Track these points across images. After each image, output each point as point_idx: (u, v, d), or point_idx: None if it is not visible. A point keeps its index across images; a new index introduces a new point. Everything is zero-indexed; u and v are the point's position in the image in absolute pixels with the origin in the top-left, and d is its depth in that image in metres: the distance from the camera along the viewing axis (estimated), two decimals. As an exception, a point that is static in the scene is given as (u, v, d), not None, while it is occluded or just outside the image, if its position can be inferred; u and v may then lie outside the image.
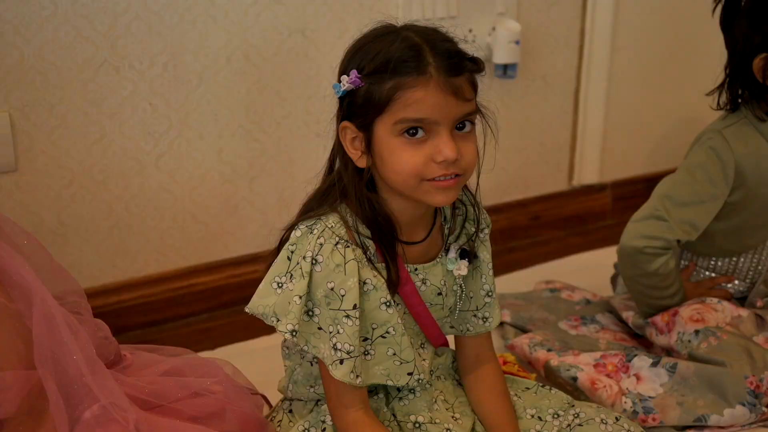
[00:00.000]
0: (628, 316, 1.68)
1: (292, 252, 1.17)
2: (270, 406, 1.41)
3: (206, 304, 1.90)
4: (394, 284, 1.19)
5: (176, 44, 1.74)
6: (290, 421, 1.30)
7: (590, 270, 2.00)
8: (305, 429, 1.27)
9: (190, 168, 1.82)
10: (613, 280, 1.84)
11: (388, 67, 1.10)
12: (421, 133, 1.11)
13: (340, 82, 1.14)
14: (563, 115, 2.29)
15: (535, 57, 2.18)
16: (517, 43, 2.04)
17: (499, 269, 2.07)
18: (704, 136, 1.56)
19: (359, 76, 1.12)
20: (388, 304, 1.18)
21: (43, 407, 1.12)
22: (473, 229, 1.28)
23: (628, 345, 1.65)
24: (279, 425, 1.31)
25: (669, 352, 1.59)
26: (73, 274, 1.75)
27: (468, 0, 2.03)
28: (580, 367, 1.52)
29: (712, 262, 1.66)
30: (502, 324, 1.77)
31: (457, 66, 1.12)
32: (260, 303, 1.18)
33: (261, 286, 1.18)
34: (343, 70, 1.15)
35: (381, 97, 1.10)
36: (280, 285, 1.17)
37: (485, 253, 1.29)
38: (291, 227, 1.19)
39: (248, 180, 1.87)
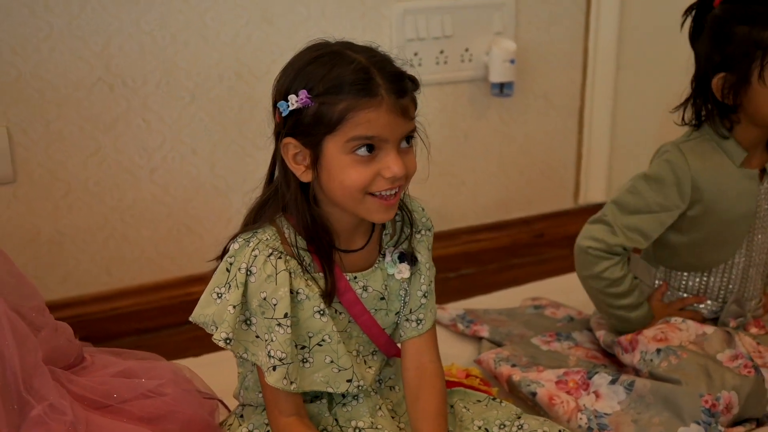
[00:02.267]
0: (601, 334, 1.68)
1: (230, 264, 1.22)
2: (229, 411, 1.46)
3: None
4: (329, 293, 1.23)
5: (169, 63, 1.82)
6: (240, 425, 1.35)
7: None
8: (249, 431, 1.32)
9: (184, 182, 1.90)
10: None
11: (341, 89, 1.14)
12: (373, 150, 1.16)
13: (286, 100, 1.18)
14: (568, 134, 2.30)
15: (535, 75, 2.20)
16: (512, 62, 2.07)
17: (496, 286, 2.11)
18: (663, 148, 1.58)
19: (309, 96, 1.16)
20: (321, 312, 1.23)
21: None
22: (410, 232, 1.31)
23: (599, 363, 1.65)
24: (229, 428, 1.36)
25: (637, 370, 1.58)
26: (69, 281, 1.86)
27: (465, 20, 2.07)
28: (540, 383, 1.53)
29: (683, 282, 1.65)
30: (480, 339, 1.79)
31: (403, 88, 1.18)
32: (201, 312, 1.24)
33: (202, 296, 1.24)
34: (286, 89, 1.19)
35: (332, 117, 1.15)
36: (219, 295, 1.22)
37: (423, 255, 1.32)
38: (231, 239, 1.25)
39: (242, 194, 1.94)
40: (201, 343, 1.88)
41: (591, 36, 2.23)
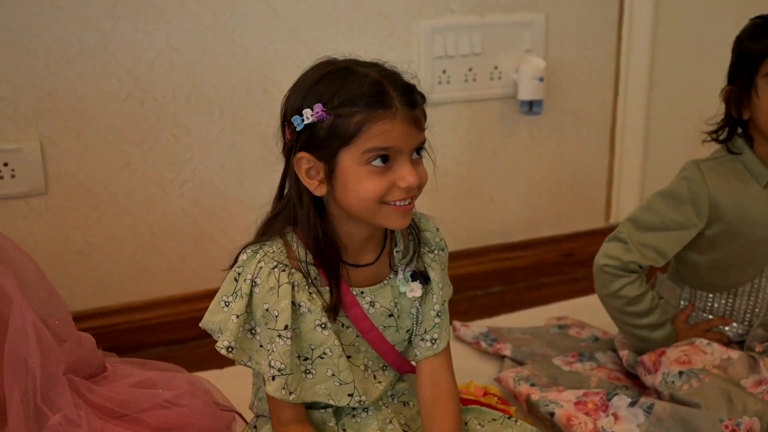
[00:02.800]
0: (624, 354, 1.66)
1: (239, 274, 1.24)
2: (246, 423, 1.48)
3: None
4: (333, 308, 1.24)
5: (198, 79, 1.85)
6: (253, 435, 1.37)
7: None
8: (258, 440, 1.33)
9: (211, 195, 1.93)
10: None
11: (357, 101, 1.16)
12: (388, 161, 1.18)
13: (300, 115, 1.20)
14: (599, 152, 2.29)
15: (566, 93, 2.19)
16: (541, 80, 2.06)
17: (523, 304, 2.10)
18: (684, 166, 1.56)
19: (324, 109, 1.18)
20: (323, 326, 1.24)
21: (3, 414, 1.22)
22: (422, 251, 1.32)
23: (621, 384, 1.63)
24: (243, 439, 1.38)
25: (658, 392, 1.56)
26: (98, 291, 1.89)
27: (494, 37, 2.07)
28: (559, 403, 1.52)
29: (709, 304, 1.63)
30: (502, 357, 1.78)
31: (415, 100, 1.20)
32: (210, 319, 1.26)
33: (212, 303, 1.27)
34: (297, 106, 1.21)
35: (348, 129, 1.17)
36: (226, 303, 1.25)
37: (436, 274, 1.32)
38: (241, 250, 1.27)
39: (269, 209, 1.95)
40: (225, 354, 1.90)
41: (623, 54, 2.21)
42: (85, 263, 1.87)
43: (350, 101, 1.16)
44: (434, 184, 1.30)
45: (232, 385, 1.56)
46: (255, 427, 1.38)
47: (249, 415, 1.46)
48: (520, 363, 1.74)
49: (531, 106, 2.11)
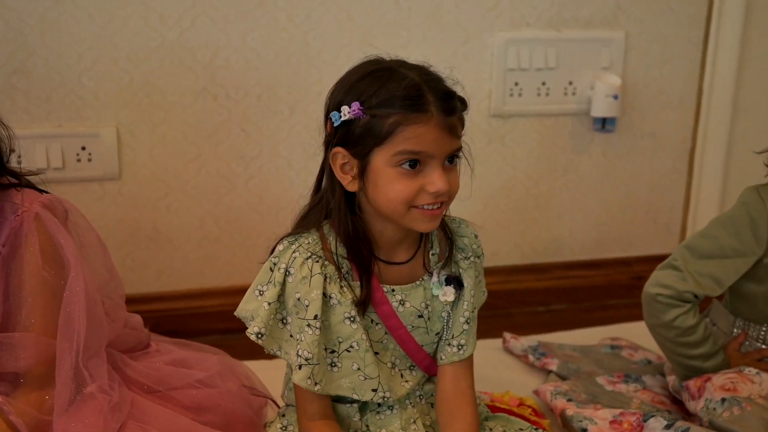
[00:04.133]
0: (671, 378, 1.62)
1: (274, 264, 1.28)
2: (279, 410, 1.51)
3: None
4: (363, 302, 1.26)
5: (271, 78, 1.91)
6: (279, 422, 1.40)
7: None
8: (283, 427, 1.36)
9: (277, 192, 1.98)
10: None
11: (394, 103, 1.18)
12: (418, 165, 1.19)
13: (339, 111, 1.23)
14: (676, 175, 2.23)
15: (643, 113, 2.15)
16: (615, 97, 2.04)
17: (585, 324, 2.07)
18: (744, 191, 1.51)
19: (361, 108, 1.20)
20: (352, 319, 1.26)
21: (51, 376, 1.28)
22: (458, 257, 1.32)
23: (664, 408, 1.59)
24: (269, 426, 1.41)
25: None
26: (163, 277, 1.97)
27: (569, 53, 2.06)
28: (593, 420, 1.49)
29: (763, 332, 1.57)
30: (548, 372, 1.76)
31: (453, 107, 1.21)
32: (244, 308, 1.30)
33: (247, 292, 1.30)
34: (339, 101, 1.24)
35: (382, 129, 1.19)
36: (261, 292, 1.28)
37: (470, 281, 1.32)
38: (278, 241, 1.30)
39: (333, 209, 2.00)
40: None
41: (707, 76, 2.16)
42: (153, 248, 1.95)
43: (387, 102, 1.18)
44: (470, 191, 1.30)
45: (279, 375, 1.58)
46: (284, 415, 1.41)
47: (282, 404, 1.50)
48: (565, 379, 1.72)
49: (604, 124, 2.08)
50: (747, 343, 1.59)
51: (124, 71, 1.84)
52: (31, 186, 1.33)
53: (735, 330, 1.61)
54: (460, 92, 1.23)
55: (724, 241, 1.50)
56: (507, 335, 1.88)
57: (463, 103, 1.23)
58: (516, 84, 2.05)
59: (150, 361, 1.41)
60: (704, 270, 1.50)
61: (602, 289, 2.24)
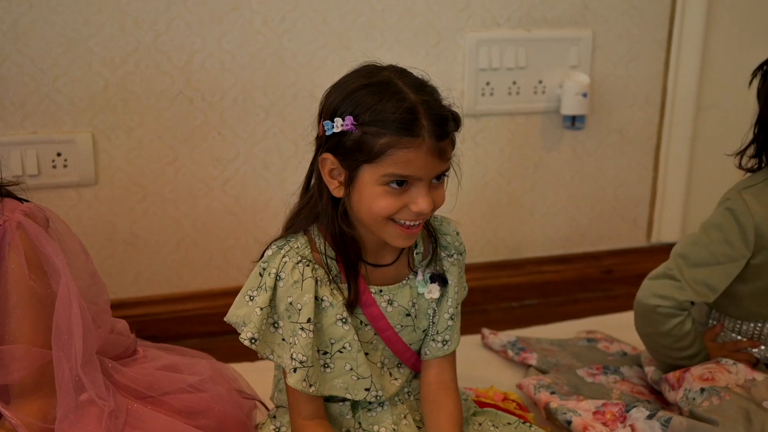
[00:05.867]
0: (649, 370, 1.66)
1: (263, 269, 1.29)
2: (268, 412, 1.52)
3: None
4: (351, 304, 1.28)
5: (246, 81, 1.91)
6: (270, 424, 1.41)
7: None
8: (276, 428, 1.37)
9: (254, 194, 1.99)
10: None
11: (387, 125, 1.19)
12: (405, 184, 1.21)
13: (332, 120, 1.23)
14: (642, 171, 2.29)
15: (611, 111, 2.20)
16: (584, 95, 2.08)
17: (558, 318, 2.11)
18: (725, 195, 1.55)
19: (354, 123, 1.20)
20: (344, 320, 1.28)
21: (46, 384, 1.28)
22: (442, 254, 1.35)
23: (643, 398, 1.63)
24: (261, 427, 1.42)
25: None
26: (141, 281, 1.96)
27: (539, 52, 2.09)
28: (577, 412, 1.53)
29: (738, 325, 1.62)
30: (528, 366, 1.80)
31: (446, 132, 1.22)
32: (234, 313, 1.31)
33: (237, 298, 1.31)
34: (335, 107, 1.24)
35: (373, 148, 1.20)
36: (251, 298, 1.29)
37: (453, 278, 1.35)
38: (267, 246, 1.31)
39: (310, 210, 2.01)
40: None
41: (671, 74, 2.21)
42: (130, 253, 1.95)
43: (380, 122, 1.19)
44: (454, 203, 1.31)
45: (262, 378, 1.60)
46: (274, 417, 1.43)
47: (271, 406, 1.51)
48: (545, 372, 1.75)
49: (573, 121, 2.13)
50: (722, 333, 1.64)
51: (99, 76, 1.83)
52: (11, 195, 1.32)
53: (711, 321, 1.66)
54: (454, 107, 1.24)
55: (715, 248, 1.52)
56: (486, 331, 1.91)
57: (457, 123, 1.24)
58: (487, 83, 2.08)
59: (140, 367, 1.41)
60: (699, 278, 1.52)
61: (573, 283, 2.28)
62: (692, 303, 1.54)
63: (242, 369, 1.63)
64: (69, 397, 1.25)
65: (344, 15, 1.94)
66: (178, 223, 1.96)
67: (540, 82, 2.12)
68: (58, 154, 1.84)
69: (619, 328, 1.98)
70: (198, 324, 2.00)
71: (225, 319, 1.31)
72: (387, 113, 1.19)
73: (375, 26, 1.97)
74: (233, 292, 1.98)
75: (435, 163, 1.21)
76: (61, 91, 1.82)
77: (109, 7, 1.79)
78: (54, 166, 1.84)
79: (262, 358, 1.32)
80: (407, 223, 1.23)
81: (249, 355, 1.88)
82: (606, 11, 2.12)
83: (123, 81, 1.84)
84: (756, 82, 1.57)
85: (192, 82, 1.88)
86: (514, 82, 2.10)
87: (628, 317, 2.09)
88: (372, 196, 1.22)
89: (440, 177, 1.24)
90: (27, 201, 1.33)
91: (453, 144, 1.24)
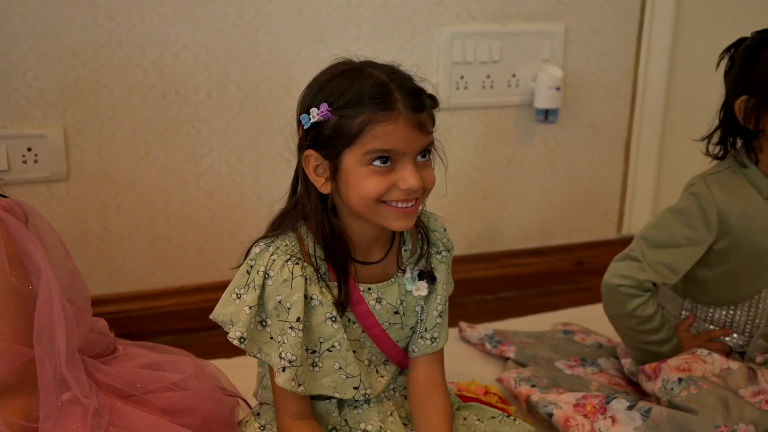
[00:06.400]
0: (626, 362, 1.68)
1: (251, 266, 1.27)
2: (251, 409, 1.51)
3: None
4: (341, 303, 1.27)
5: (221, 74, 1.89)
6: (255, 421, 1.40)
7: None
8: (261, 426, 1.36)
9: (228, 188, 1.97)
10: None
11: (361, 102, 1.19)
12: (389, 162, 1.20)
13: (308, 114, 1.23)
14: (613, 164, 2.31)
15: (583, 104, 2.21)
16: (557, 89, 2.09)
17: (532, 310, 2.12)
18: (690, 181, 1.58)
19: (330, 109, 1.20)
20: (333, 319, 1.27)
21: (28, 383, 1.26)
22: (430, 251, 1.34)
23: (621, 390, 1.65)
24: (246, 425, 1.41)
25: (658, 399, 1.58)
26: (115, 278, 1.94)
27: (513, 46, 2.10)
28: (558, 405, 1.54)
29: (710, 314, 1.64)
30: (506, 359, 1.81)
31: (421, 103, 1.22)
32: (220, 311, 1.29)
33: (223, 295, 1.30)
34: (308, 103, 1.23)
35: (351, 129, 1.19)
36: (238, 296, 1.28)
37: (441, 275, 1.35)
38: (254, 243, 1.30)
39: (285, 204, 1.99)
40: (234, 345, 1.94)
41: (641, 68, 2.24)
42: (103, 249, 1.92)
43: (354, 102, 1.19)
44: (444, 189, 1.32)
45: (240, 374, 1.59)
46: (258, 414, 1.41)
47: (253, 402, 1.50)
48: (523, 365, 1.76)
49: (547, 115, 2.14)
50: (696, 324, 1.67)
51: (70, 69, 1.80)
52: None
53: (684, 312, 1.68)
54: (429, 90, 1.25)
55: (677, 231, 1.56)
56: (463, 324, 1.92)
57: (433, 100, 1.24)
58: (462, 77, 2.08)
59: (121, 366, 1.39)
60: (660, 259, 1.56)
61: (546, 275, 2.30)
62: (654, 285, 1.57)
63: (219, 366, 1.62)
64: (52, 395, 1.23)
65: (319, 8, 1.93)
66: (152, 218, 1.94)
67: (513, 75, 2.12)
68: (29, 149, 1.80)
69: (593, 319, 2.00)
70: (173, 321, 1.98)
71: (211, 317, 1.30)
72: (360, 93, 1.18)
73: (350, 19, 1.96)
74: (208, 288, 2.01)
75: (416, 135, 1.20)
76: (32, 84, 1.78)
77: (80, -2, 1.77)
78: (24, 161, 1.81)
79: (249, 356, 1.30)
80: (400, 204, 1.22)
81: (225, 351, 1.87)
82: (579, 6, 2.13)
83: (95, 74, 1.81)
84: (723, 65, 1.58)
85: (165, 75, 1.86)
86: (488, 76, 2.10)
87: (600, 309, 2.13)
88: (358, 180, 1.20)
89: (425, 154, 1.23)
90: (5, 197, 1.30)
91: (433, 119, 1.24)
